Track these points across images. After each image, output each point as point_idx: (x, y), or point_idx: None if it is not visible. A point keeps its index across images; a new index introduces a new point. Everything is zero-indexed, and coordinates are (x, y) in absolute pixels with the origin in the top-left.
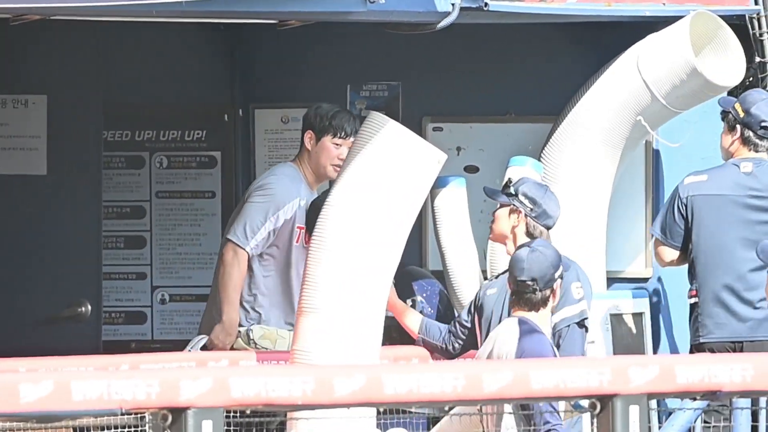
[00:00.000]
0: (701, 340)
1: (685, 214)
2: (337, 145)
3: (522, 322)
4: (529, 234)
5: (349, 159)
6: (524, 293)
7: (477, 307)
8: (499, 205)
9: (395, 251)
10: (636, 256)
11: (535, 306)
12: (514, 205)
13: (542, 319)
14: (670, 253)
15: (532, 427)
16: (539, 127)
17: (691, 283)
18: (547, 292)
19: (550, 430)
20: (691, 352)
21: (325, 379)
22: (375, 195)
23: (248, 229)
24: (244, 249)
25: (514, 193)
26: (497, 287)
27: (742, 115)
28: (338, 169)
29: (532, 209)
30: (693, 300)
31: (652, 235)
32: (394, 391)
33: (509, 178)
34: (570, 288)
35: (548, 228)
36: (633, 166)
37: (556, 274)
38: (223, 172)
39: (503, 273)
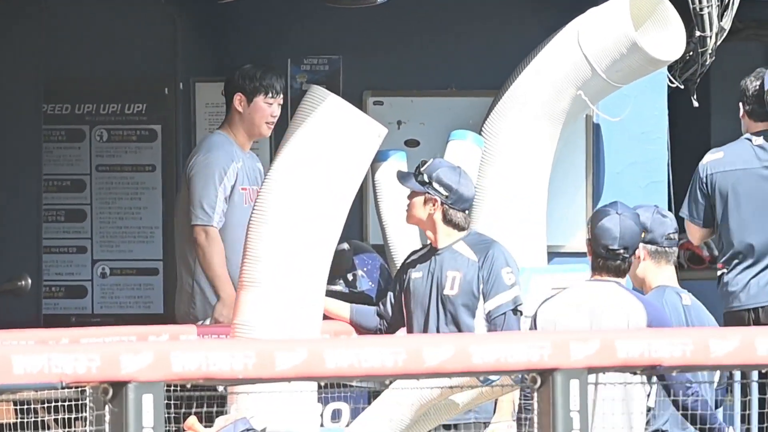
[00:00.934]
0: (733, 309)
1: (706, 192)
2: (269, 104)
3: (630, 290)
4: (447, 220)
5: (289, 133)
6: (613, 260)
7: (405, 290)
8: (411, 192)
9: (336, 225)
10: (576, 230)
11: (621, 273)
12: (428, 193)
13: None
14: (697, 231)
15: (676, 397)
16: (480, 101)
17: (720, 257)
18: (633, 258)
19: (697, 399)
20: (724, 320)
21: (266, 353)
22: (316, 169)
23: (206, 207)
24: (211, 225)
25: (427, 180)
26: (422, 271)
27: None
28: (271, 126)
29: (447, 196)
30: (721, 272)
31: (683, 217)
32: (335, 366)
33: (421, 161)
34: (500, 273)
35: (464, 210)
36: (573, 140)
37: (640, 240)
38: (164, 145)
39: (422, 250)
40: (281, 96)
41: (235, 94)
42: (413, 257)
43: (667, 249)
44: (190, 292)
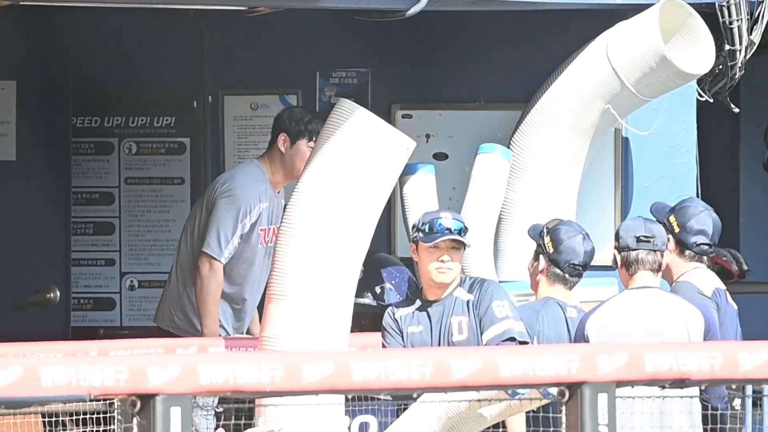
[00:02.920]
0: None
1: None
2: (310, 148)
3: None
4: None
5: (318, 146)
6: (702, 257)
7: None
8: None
9: (364, 238)
10: (605, 244)
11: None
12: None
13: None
14: None
15: (714, 410)
16: (508, 115)
17: None
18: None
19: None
20: None
21: (293, 365)
22: (344, 182)
23: (222, 240)
24: (219, 260)
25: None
26: (422, 325)
27: (677, 229)
28: None
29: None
30: None
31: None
32: (362, 378)
33: None
34: (491, 306)
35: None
36: (602, 154)
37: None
38: (192, 158)
39: (406, 305)
40: None
41: (280, 133)
42: (399, 314)
43: (567, 276)
44: (177, 298)
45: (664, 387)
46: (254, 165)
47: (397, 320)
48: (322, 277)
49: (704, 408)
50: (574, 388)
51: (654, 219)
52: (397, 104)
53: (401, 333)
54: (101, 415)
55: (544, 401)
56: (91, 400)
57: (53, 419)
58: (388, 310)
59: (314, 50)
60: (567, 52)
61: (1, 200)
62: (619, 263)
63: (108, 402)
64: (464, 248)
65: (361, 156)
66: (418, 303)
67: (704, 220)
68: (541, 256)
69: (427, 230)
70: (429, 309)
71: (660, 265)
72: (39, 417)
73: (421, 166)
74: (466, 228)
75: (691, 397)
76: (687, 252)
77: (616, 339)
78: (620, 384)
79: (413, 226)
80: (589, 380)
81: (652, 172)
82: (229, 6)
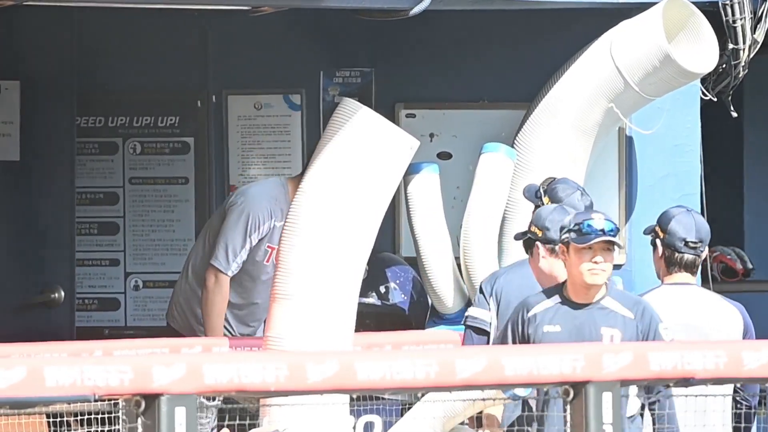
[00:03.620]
0: None
1: None
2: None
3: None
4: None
5: (321, 145)
6: (689, 255)
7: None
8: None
9: (368, 238)
10: None
11: (694, 270)
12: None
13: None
14: None
15: (749, 409)
16: (512, 114)
17: None
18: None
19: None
20: None
21: (298, 365)
22: (348, 181)
23: (230, 253)
24: (225, 274)
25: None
26: (561, 326)
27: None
28: None
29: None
30: None
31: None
32: (367, 378)
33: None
34: (659, 330)
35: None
36: (606, 152)
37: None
38: (197, 158)
39: (548, 302)
40: None
41: None
42: (535, 311)
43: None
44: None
45: (668, 386)
46: (278, 182)
47: (529, 319)
48: (327, 276)
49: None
50: (578, 387)
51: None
52: (401, 104)
53: (521, 332)
54: (106, 416)
55: (508, 401)
56: (95, 400)
57: (58, 419)
58: (521, 306)
59: (318, 50)
60: (570, 52)
61: (5, 201)
62: (660, 253)
63: (113, 402)
64: (616, 249)
65: (364, 155)
66: (557, 302)
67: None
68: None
69: (580, 231)
70: (574, 311)
71: (698, 266)
72: (43, 417)
73: (425, 165)
74: (617, 228)
75: (727, 395)
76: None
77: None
78: (624, 383)
79: (562, 228)
80: (593, 379)
81: (656, 171)
82: (233, 6)
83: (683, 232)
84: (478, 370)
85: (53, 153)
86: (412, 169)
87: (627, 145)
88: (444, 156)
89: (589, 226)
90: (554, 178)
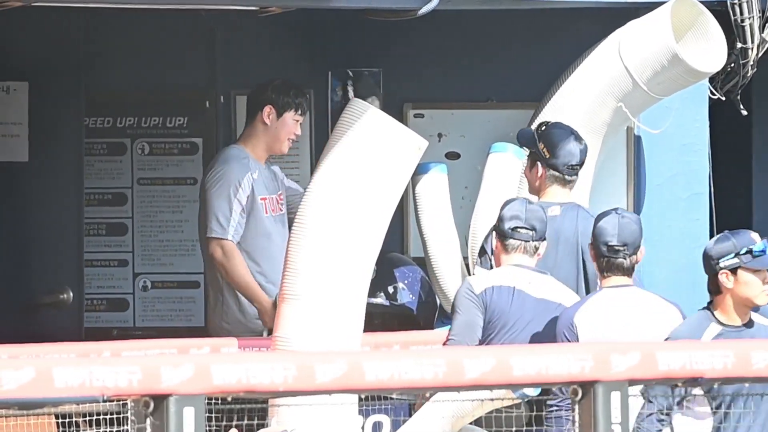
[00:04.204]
0: None
1: None
2: (296, 120)
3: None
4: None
5: (329, 146)
6: (615, 259)
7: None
8: None
9: (376, 238)
10: None
11: (628, 272)
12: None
13: None
14: None
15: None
16: (520, 114)
17: None
18: (634, 258)
19: None
20: None
21: (306, 365)
22: (356, 182)
23: (221, 219)
24: (226, 239)
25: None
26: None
27: (547, 155)
28: (290, 145)
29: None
30: None
31: None
32: (375, 378)
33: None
34: None
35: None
36: (614, 152)
37: (641, 240)
38: (205, 158)
39: (707, 328)
40: (304, 117)
41: (265, 105)
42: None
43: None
44: (215, 305)
45: (676, 386)
46: (232, 147)
47: None
48: (335, 276)
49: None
50: (587, 387)
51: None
52: (409, 104)
53: None
54: (115, 416)
55: (516, 401)
56: (104, 401)
57: (66, 420)
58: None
59: (326, 50)
60: (579, 51)
61: (14, 201)
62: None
63: (121, 403)
64: None
65: (373, 156)
66: (721, 329)
67: (572, 145)
68: (538, 162)
69: (752, 253)
70: (741, 332)
71: (633, 267)
72: (52, 418)
73: (434, 165)
74: None
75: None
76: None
77: (601, 333)
78: (633, 383)
79: (728, 253)
80: (602, 379)
81: (665, 171)
82: (241, 6)
83: (606, 235)
84: (487, 369)
85: (62, 154)
86: (420, 169)
87: (635, 144)
88: (452, 156)
89: (761, 250)
90: (548, 122)
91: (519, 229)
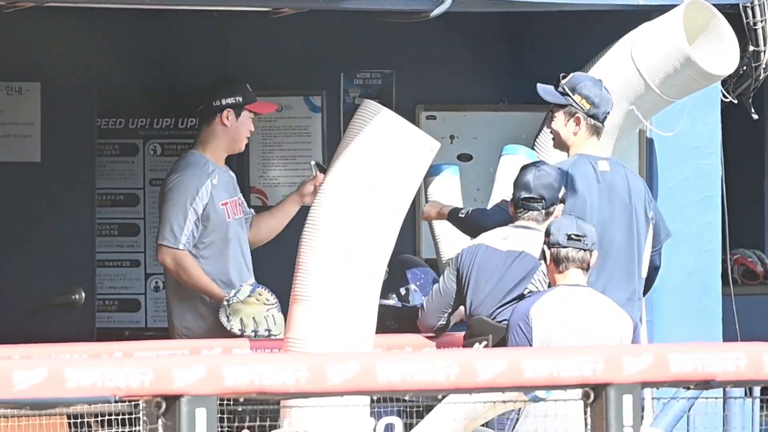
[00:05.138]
0: None
1: None
2: (251, 118)
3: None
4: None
5: (342, 147)
6: (529, 210)
7: None
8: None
9: (388, 239)
10: None
11: (585, 266)
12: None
13: None
14: None
15: None
16: (532, 116)
17: None
18: (551, 209)
19: None
20: None
21: (318, 367)
22: (368, 183)
23: (175, 228)
24: (177, 248)
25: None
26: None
27: (587, 107)
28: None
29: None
30: None
31: None
32: (387, 380)
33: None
34: None
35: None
36: (627, 155)
37: (559, 195)
38: None
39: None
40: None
41: (222, 110)
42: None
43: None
44: (172, 309)
45: (689, 388)
46: (190, 153)
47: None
48: (347, 278)
49: None
50: (599, 389)
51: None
52: (422, 105)
53: None
54: (126, 417)
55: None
56: (116, 402)
57: (78, 420)
58: None
59: (338, 51)
60: (591, 54)
61: (26, 202)
62: (548, 259)
63: (133, 403)
64: None
65: (385, 157)
66: None
67: (606, 93)
68: (578, 115)
69: None
70: None
71: (588, 264)
72: (64, 418)
73: (446, 167)
74: None
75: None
76: (597, 125)
77: (555, 328)
78: (645, 385)
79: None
80: (614, 382)
81: (677, 173)
82: (253, 7)
83: (565, 228)
84: (499, 372)
85: (74, 154)
86: (432, 171)
87: (648, 147)
88: (464, 158)
89: None
90: (573, 75)
91: (529, 201)
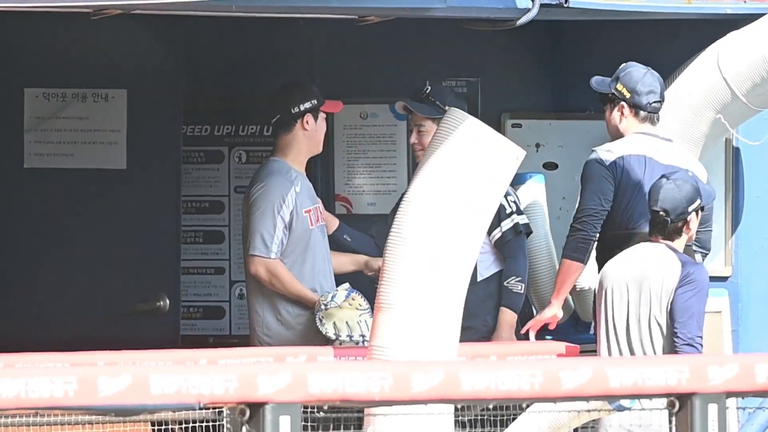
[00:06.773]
0: None
1: None
2: (324, 117)
3: (673, 249)
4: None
5: (428, 155)
6: (657, 222)
7: None
8: None
9: (473, 247)
10: (715, 255)
11: (670, 236)
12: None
13: (678, 249)
14: None
15: None
16: None
17: None
18: (679, 223)
19: None
20: None
21: (402, 375)
22: (454, 191)
23: (266, 237)
24: (269, 258)
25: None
26: None
27: (628, 95)
28: None
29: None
30: None
31: None
32: (471, 388)
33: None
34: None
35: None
36: (713, 164)
37: (690, 208)
38: None
39: None
40: None
41: (304, 114)
42: None
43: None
44: (255, 317)
45: None
46: (273, 161)
47: None
48: (432, 286)
49: None
50: (684, 399)
51: None
52: (507, 113)
53: None
54: (210, 424)
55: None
56: (200, 409)
57: (162, 427)
58: None
59: (424, 59)
60: (677, 62)
61: (112, 209)
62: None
63: (217, 410)
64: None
65: (470, 165)
66: None
67: (650, 81)
68: (623, 103)
69: None
70: None
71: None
72: (148, 425)
73: (531, 175)
74: None
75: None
76: (641, 113)
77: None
78: (730, 395)
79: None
80: (699, 391)
81: (764, 183)
82: (340, 15)
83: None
84: (583, 381)
85: (159, 161)
86: (517, 179)
87: (734, 155)
88: (550, 166)
89: None
90: (624, 66)
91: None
